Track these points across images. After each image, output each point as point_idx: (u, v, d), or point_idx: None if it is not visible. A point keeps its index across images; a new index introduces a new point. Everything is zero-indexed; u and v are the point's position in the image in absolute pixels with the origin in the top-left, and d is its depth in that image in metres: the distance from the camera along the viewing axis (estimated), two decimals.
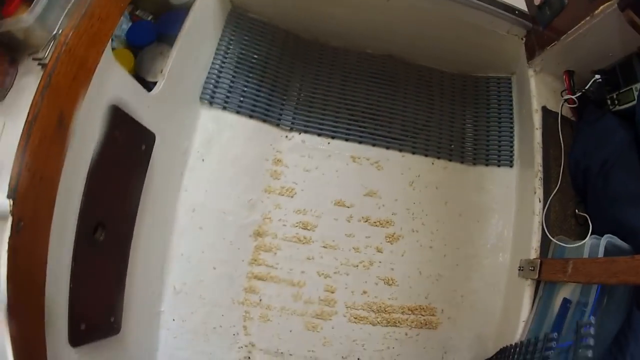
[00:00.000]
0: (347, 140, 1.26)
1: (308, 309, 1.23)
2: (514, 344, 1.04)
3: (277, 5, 1.26)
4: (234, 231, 1.20)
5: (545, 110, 1.21)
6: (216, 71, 1.22)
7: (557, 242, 1.10)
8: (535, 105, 1.21)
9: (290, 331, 1.22)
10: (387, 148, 1.27)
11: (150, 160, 1.02)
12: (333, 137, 1.26)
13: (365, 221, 1.24)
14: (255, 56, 1.27)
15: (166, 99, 1.07)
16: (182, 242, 1.17)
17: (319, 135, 1.26)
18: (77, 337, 0.80)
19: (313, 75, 1.30)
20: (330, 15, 1.25)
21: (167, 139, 1.08)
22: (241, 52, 1.26)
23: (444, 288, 1.28)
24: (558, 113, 1.20)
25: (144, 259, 1.05)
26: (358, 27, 1.30)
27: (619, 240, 0.97)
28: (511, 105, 1.33)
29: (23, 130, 0.69)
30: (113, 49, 1.28)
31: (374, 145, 1.27)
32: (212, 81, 1.21)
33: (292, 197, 1.23)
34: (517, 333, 1.07)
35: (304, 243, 1.22)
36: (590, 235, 1.01)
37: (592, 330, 0.84)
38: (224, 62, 1.24)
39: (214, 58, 1.23)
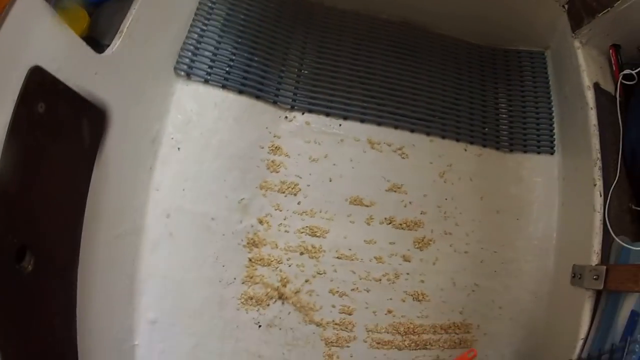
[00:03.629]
0: (362, 121, 0.92)
1: (321, 336, 0.90)
2: None
3: None
4: (222, 241, 0.84)
5: (597, 88, 0.93)
6: (196, 35, 0.86)
7: (621, 242, 0.82)
8: (587, 82, 0.91)
9: None
10: (412, 131, 0.93)
11: (102, 149, 0.66)
12: (345, 118, 0.91)
13: (389, 223, 0.91)
14: (246, 18, 0.92)
15: (124, 66, 0.71)
16: (154, 258, 0.80)
17: (327, 115, 0.91)
18: None
19: (317, 42, 0.95)
20: None
21: (129, 120, 0.72)
22: (228, 13, 0.90)
23: (480, 300, 0.96)
24: (610, 92, 0.93)
25: (103, 284, 0.69)
26: None
27: None
28: (547, 83, 1.03)
29: None
30: (63, 8, 0.92)
31: (396, 127, 0.93)
32: (191, 47, 0.86)
33: (295, 194, 0.88)
34: (575, 353, 0.78)
35: (313, 254, 0.89)
36: None
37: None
38: (205, 25, 0.88)
39: (194, 20, 0.87)
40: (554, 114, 1.02)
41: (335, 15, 0.99)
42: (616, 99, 0.91)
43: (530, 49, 1.07)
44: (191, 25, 0.88)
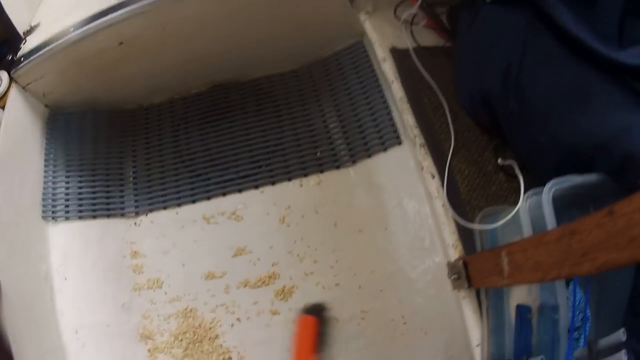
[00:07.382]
0: (194, 202, 0.94)
1: None
2: None
3: (83, 88, 1.02)
4: (121, 341, 0.96)
5: (395, 52, 0.78)
6: (50, 183, 1.00)
7: (477, 225, 0.67)
8: (381, 53, 0.79)
9: None
10: (240, 191, 0.92)
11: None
12: (179, 205, 0.95)
13: (245, 286, 0.91)
14: (83, 150, 1.03)
15: None
16: None
17: (165, 208, 0.95)
18: None
19: (143, 145, 1.01)
20: (133, 75, 0.99)
21: (19, 273, 0.89)
22: (69, 152, 1.03)
23: (377, 325, 0.88)
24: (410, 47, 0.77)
25: None
26: (168, 72, 1.00)
27: (575, 176, 0.52)
28: (373, 71, 0.90)
29: None
30: None
31: (224, 195, 0.92)
32: (50, 195, 1.00)
33: (161, 287, 0.95)
34: None
35: (194, 333, 0.94)
36: (524, 192, 0.56)
37: None
38: (55, 171, 1.02)
39: (45, 170, 1.01)
40: (387, 101, 0.88)
41: (154, 111, 1.04)
42: (410, 51, 0.75)
43: (345, 44, 0.96)
44: (44, 176, 1.02)
